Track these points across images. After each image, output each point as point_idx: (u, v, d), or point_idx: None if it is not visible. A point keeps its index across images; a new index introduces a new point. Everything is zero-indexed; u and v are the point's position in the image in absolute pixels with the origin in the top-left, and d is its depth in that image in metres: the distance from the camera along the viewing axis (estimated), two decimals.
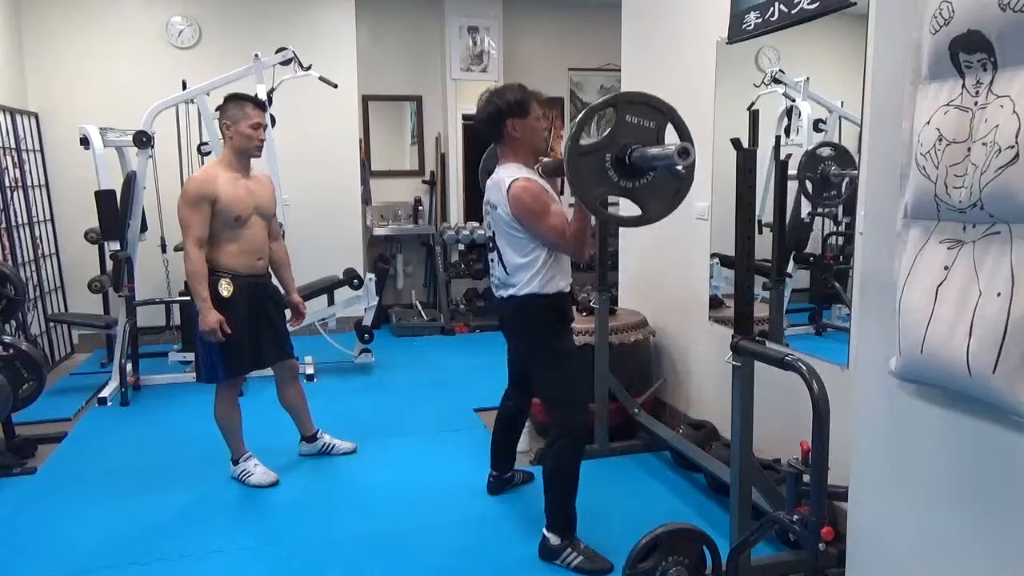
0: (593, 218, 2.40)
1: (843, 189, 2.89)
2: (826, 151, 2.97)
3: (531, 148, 2.63)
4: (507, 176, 2.52)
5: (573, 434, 2.57)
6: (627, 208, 2.51)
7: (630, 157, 2.07)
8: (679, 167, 2.04)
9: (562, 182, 2.60)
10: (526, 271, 2.55)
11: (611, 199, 2.27)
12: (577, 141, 2.06)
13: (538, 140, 2.65)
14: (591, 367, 3.40)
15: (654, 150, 2.02)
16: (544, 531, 2.60)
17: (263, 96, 4.30)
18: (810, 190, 2.99)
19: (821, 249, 3.19)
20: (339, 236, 5.98)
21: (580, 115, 2.13)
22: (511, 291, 2.61)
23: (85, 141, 4.36)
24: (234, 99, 3.11)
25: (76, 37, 5.44)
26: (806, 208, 3.12)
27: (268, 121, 3.12)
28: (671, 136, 2.18)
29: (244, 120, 3.05)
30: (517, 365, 2.91)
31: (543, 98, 2.65)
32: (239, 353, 3.10)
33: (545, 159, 2.73)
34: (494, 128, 2.58)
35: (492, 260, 2.71)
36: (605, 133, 2.12)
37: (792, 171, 2.96)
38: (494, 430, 3.09)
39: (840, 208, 3.06)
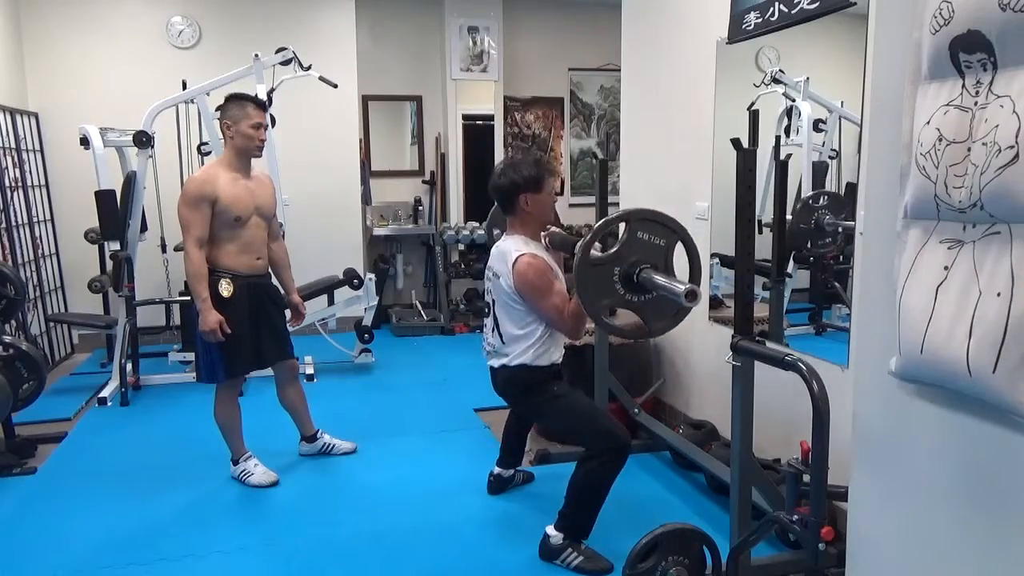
0: None
1: (837, 238, 2.93)
2: (820, 200, 3.00)
3: (540, 222, 2.71)
4: (514, 249, 2.58)
5: (619, 451, 2.54)
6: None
7: (638, 276, 2.10)
8: (686, 307, 2.06)
9: (566, 259, 2.65)
10: (521, 343, 2.63)
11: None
12: (588, 252, 2.10)
13: (548, 214, 2.73)
14: (589, 369, 3.40)
15: (662, 281, 2.04)
16: (549, 528, 2.59)
17: (263, 96, 4.29)
18: (806, 240, 3.01)
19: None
20: (339, 236, 5.98)
21: (595, 228, 2.17)
22: (503, 361, 2.68)
23: (85, 141, 4.36)
24: (235, 99, 3.11)
25: (76, 37, 5.44)
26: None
27: (268, 121, 3.12)
28: (679, 253, 2.19)
29: (245, 120, 3.05)
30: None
31: (555, 172, 2.69)
32: (239, 353, 3.10)
33: (554, 229, 2.78)
34: (507, 201, 2.66)
35: (488, 326, 2.78)
36: (615, 248, 2.13)
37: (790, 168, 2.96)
38: (507, 424, 3.12)
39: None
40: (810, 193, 3.06)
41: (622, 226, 2.19)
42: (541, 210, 2.67)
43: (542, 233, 2.74)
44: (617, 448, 2.53)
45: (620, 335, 2.63)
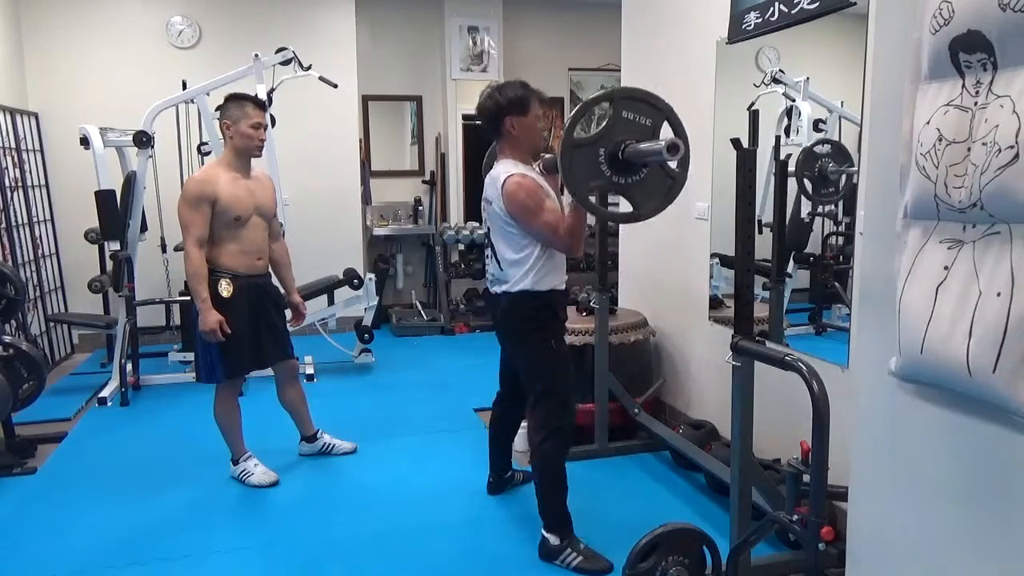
0: (589, 217, 2.39)
1: (841, 186, 2.89)
2: (823, 148, 2.98)
3: (529, 146, 2.64)
4: (503, 172, 2.52)
5: (556, 433, 2.57)
6: (621, 206, 2.50)
7: (623, 153, 2.07)
8: (670, 163, 2.04)
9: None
10: (519, 267, 2.56)
11: (611, 199, 2.27)
12: (572, 134, 2.06)
13: (536, 138, 2.65)
14: (589, 368, 3.40)
15: (644, 145, 2.02)
16: (543, 532, 2.60)
17: (263, 96, 4.29)
18: (808, 188, 2.99)
19: (821, 249, 3.19)
20: (339, 236, 5.98)
21: (577, 107, 2.14)
22: (504, 287, 2.61)
23: (85, 141, 4.37)
24: (234, 99, 3.11)
25: (76, 37, 5.44)
26: (806, 208, 3.12)
27: (268, 121, 3.12)
28: (667, 134, 2.17)
29: (244, 120, 3.05)
30: (510, 365, 2.91)
31: (544, 97, 2.65)
32: (239, 353, 3.10)
33: (547, 155, 2.73)
34: (493, 125, 2.59)
35: (487, 256, 2.72)
36: (601, 127, 2.11)
37: (791, 169, 2.96)
38: (490, 432, 3.09)
39: (839, 207, 3.06)
40: (813, 140, 3.04)
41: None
42: (528, 134, 2.59)
43: (536, 161, 2.69)
44: (561, 428, 2.57)
45: (609, 218, 2.58)
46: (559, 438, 2.58)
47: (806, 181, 2.98)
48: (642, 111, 2.13)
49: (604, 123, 2.10)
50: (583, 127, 2.16)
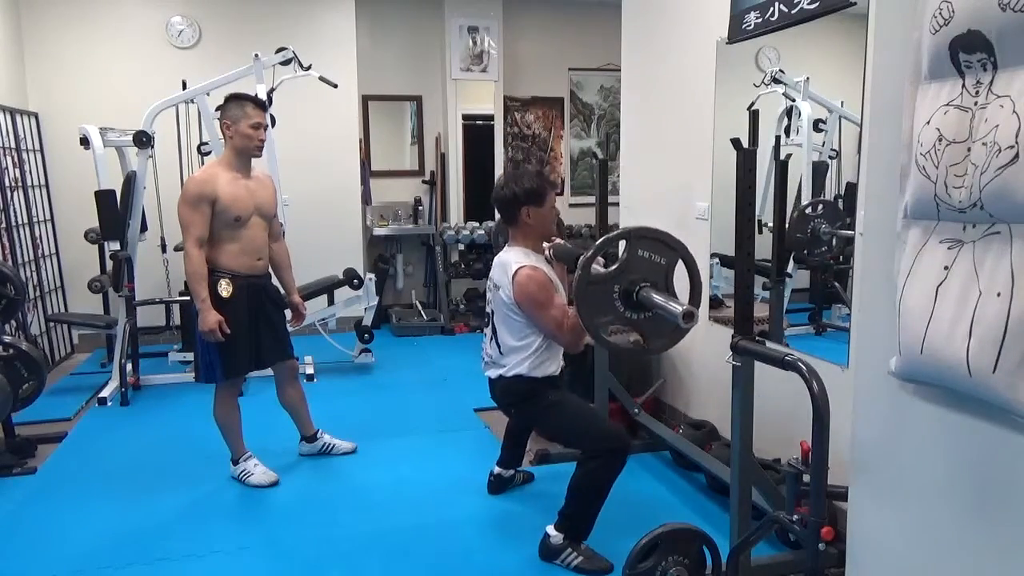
0: None
1: (832, 246, 2.94)
2: (816, 209, 3.01)
3: (542, 234, 2.72)
4: (514, 261, 2.59)
5: (619, 452, 2.54)
6: None
7: (637, 295, 2.10)
8: (683, 327, 2.05)
9: (569, 267, 2.66)
10: (519, 353, 2.64)
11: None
12: (588, 270, 2.10)
13: (549, 227, 2.74)
14: (589, 368, 3.40)
15: (660, 300, 2.05)
16: (549, 528, 2.59)
17: (263, 96, 4.29)
18: (802, 248, 3.02)
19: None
20: (339, 236, 5.98)
21: (595, 245, 2.16)
22: (500, 371, 2.70)
23: (85, 141, 4.36)
24: (234, 99, 3.11)
25: (76, 37, 5.44)
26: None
27: (268, 121, 3.12)
28: (680, 270, 2.18)
29: (244, 120, 3.05)
30: None
31: (557, 185, 2.69)
32: (238, 354, 3.09)
33: (557, 241, 2.78)
34: (508, 213, 2.67)
35: (487, 336, 2.79)
36: (616, 266, 2.13)
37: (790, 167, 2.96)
38: (507, 425, 3.11)
39: (839, 207, 3.06)
40: (806, 202, 3.06)
41: (622, 244, 2.19)
42: (542, 223, 2.68)
43: (545, 245, 2.74)
44: (616, 449, 2.53)
45: (619, 353, 2.65)
46: (620, 456, 2.55)
47: (799, 241, 3.00)
48: (657, 249, 2.16)
49: (619, 261, 2.13)
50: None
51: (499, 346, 2.69)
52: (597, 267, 2.16)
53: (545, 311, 2.55)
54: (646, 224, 2.27)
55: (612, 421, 2.77)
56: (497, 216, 2.93)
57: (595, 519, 2.57)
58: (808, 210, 3.01)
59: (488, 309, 2.79)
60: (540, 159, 6.80)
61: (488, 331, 2.77)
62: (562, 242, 2.81)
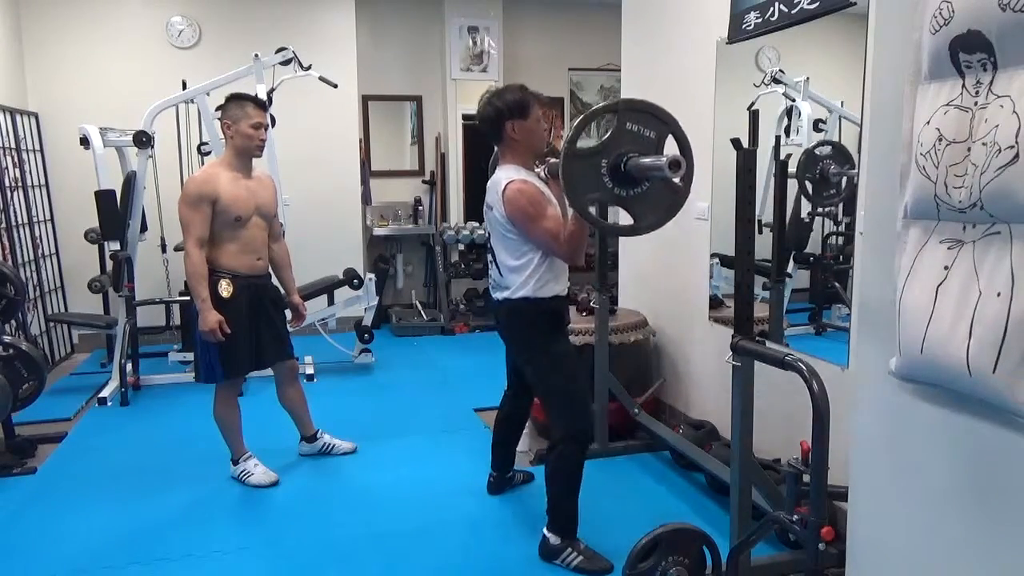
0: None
1: (842, 187, 2.89)
2: (824, 150, 2.97)
3: (531, 150, 2.63)
4: (504, 177, 2.52)
5: (575, 437, 2.55)
6: (622, 217, 2.49)
7: (625, 166, 2.05)
8: (672, 179, 2.02)
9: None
10: (519, 273, 2.55)
11: (610, 208, 2.25)
12: (574, 144, 2.04)
13: (538, 142, 2.64)
14: (591, 367, 3.40)
15: (647, 160, 2.00)
16: (544, 531, 2.60)
17: (263, 96, 4.29)
18: (809, 190, 2.99)
19: (821, 249, 3.19)
20: (339, 236, 5.98)
21: (580, 118, 2.10)
22: (505, 293, 2.61)
23: (85, 141, 4.37)
24: (235, 99, 3.11)
25: (76, 37, 5.44)
26: (806, 208, 3.12)
27: (269, 121, 3.12)
28: (671, 148, 2.15)
29: (245, 120, 3.05)
30: (515, 366, 2.91)
31: (544, 99, 2.64)
32: (238, 353, 3.09)
33: (552, 160, 2.71)
34: (494, 130, 2.57)
35: (489, 261, 2.72)
36: (604, 138, 2.10)
37: (791, 170, 2.96)
38: (494, 431, 3.09)
39: (840, 207, 3.06)
40: (813, 142, 3.03)
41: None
42: (529, 137, 2.58)
43: (538, 168, 2.67)
44: (579, 431, 2.54)
45: (609, 231, 2.55)
46: (577, 441, 2.55)
47: (807, 183, 2.97)
48: (646, 123, 2.10)
49: (607, 134, 2.08)
50: (586, 136, 2.13)
51: (499, 268, 2.61)
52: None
53: (537, 223, 2.45)
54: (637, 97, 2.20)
55: (590, 407, 2.71)
56: (491, 160, 2.87)
57: (576, 508, 2.56)
58: (816, 149, 2.98)
59: (486, 232, 2.71)
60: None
61: (489, 256, 2.69)
62: (556, 160, 2.70)
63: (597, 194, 2.09)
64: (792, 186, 3.00)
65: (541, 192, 2.52)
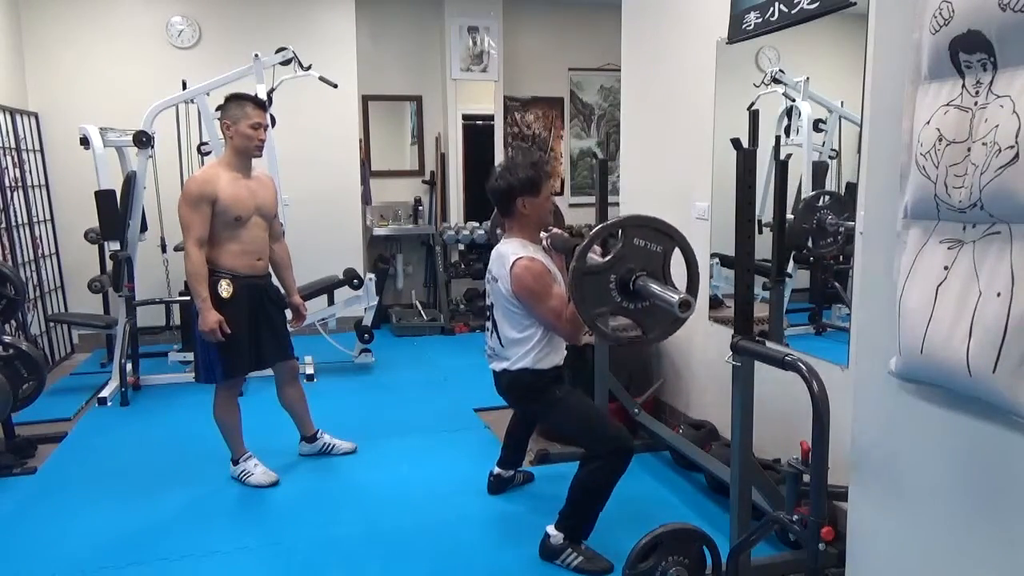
0: None
1: (839, 237, 2.93)
2: (822, 200, 3.01)
3: (539, 225, 2.70)
4: (511, 253, 2.57)
5: (620, 452, 2.53)
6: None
7: (634, 284, 2.09)
8: (680, 317, 2.04)
9: (567, 257, 2.64)
10: (520, 346, 2.62)
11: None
12: (584, 260, 2.08)
13: (546, 217, 2.72)
14: (589, 368, 3.40)
15: (657, 289, 2.03)
16: (549, 528, 2.59)
17: (263, 96, 4.29)
18: (808, 239, 3.02)
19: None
20: (339, 236, 5.98)
21: (591, 234, 2.14)
22: (504, 364, 2.68)
23: (85, 141, 4.37)
24: (234, 99, 3.11)
25: (76, 37, 5.44)
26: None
27: (268, 121, 3.12)
28: (677, 256, 2.17)
29: (244, 120, 3.05)
30: None
31: (552, 176, 2.68)
32: (238, 353, 3.09)
33: (555, 231, 2.77)
34: (504, 203, 2.64)
35: (488, 329, 2.78)
36: (611, 255, 2.11)
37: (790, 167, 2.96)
38: (510, 424, 3.11)
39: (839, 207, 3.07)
40: (812, 193, 3.06)
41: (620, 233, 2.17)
42: (538, 213, 2.66)
43: (542, 235, 2.73)
44: (620, 451, 2.52)
45: (616, 343, 2.63)
46: (623, 456, 2.54)
47: (807, 236, 3.00)
48: (653, 238, 2.14)
49: (616, 249, 2.11)
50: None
51: (500, 339, 2.68)
52: (594, 257, 2.14)
53: (543, 302, 2.53)
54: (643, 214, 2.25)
55: (615, 421, 2.75)
56: (493, 214, 2.92)
57: (595, 520, 2.57)
58: (814, 201, 3.00)
59: (488, 302, 2.77)
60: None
61: (489, 324, 2.75)
62: (560, 232, 2.78)
63: (606, 308, 2.13)
64: (792, 186, 3.00)
65: (548, 270, 2.58)
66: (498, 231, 2.94)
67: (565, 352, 2.75)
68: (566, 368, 2.79)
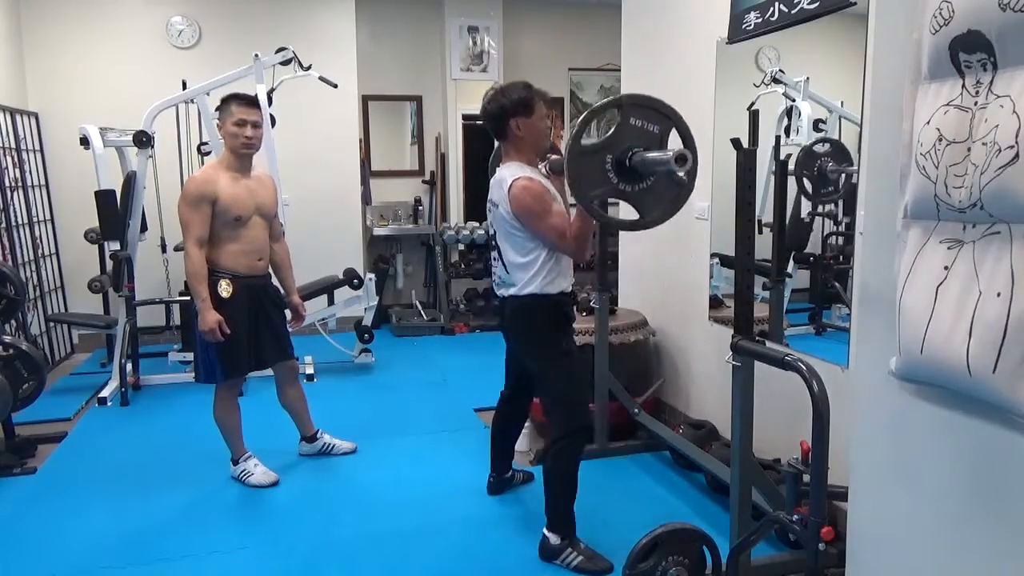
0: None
1: (840, 185, 2.89)
2: (822, 147, 2.97)
3: (535, 147, 2.62)
4: (509, 175, 2.51)
5: (573, 435, 2.56)
6: (626, 212, 2.50)
7: (630, 160, 2.05)
8: (678, 173, 2.03)
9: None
10: (526, 271, 2.54)
11: (611, 202, 2.26)
12: (579, 140, 2.04)
13: (542, 139, 2.64)
14: (589, 368, 3.40)
15: (652, 154, 2.01)
16: (544, 531, 2.60)
17: (263, 96, 4.29)
18: (808, 187, 2.99)
19: (821, 249, 3.19)
20: (339, 236, 5.98)
21: (584, 114, 2.10)
22: (512, 290, 2.60)
23: (85, 141, 4.36)
24: (224, 99, 3.11)
25: (76, 37, 5.44)
26: (806, 208, 3.12)
27: (260, 118, 3.11)
28: (675, 141, 2.16)
29: (229, 118, 3.05)
30: (517, 365, 2.90)
31: (548, 97, 2.64)
32: (238, 353, 3.09)
33: (554, 156, 2.71)
34: (498, 126, 2.57)
35: (493, 259, 2.71)
36: (608, 134, 2.10)
37: (791, 168, 2.96)
38: (492, 432, 3.09)
39: (839, 207, 3.06)
40: (812, 140, 3.03)
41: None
42: (534, 135, 2.57)
43: (540, 164, 2.68)
44: (578, 429, 2.55)
45: (616, 226, 2.56)
46: (575, 439, 2.56)
47: (806, 180, 2.97)
48: (650, 118, 2.10)
49: (611, 129, 2.09)
50: (587, 136, 2.14)
51: (505, 265, 2.61)
52: (590, 138, 2.09)
53: (544, 220, 2.46)
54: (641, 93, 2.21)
55: (587, 401, 2.73)
56: (492, 154, 2.86)
57: (572, 505, 2.57)
58: (815, 147, 2.97)
59: (491, 230, 2.70)
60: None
61: (494, 253, 2.68)
62: (558, 156, 2.70)
63: (602, 189, 2.09)
64: (792, 186, 3.00)
65: (546, 189, 2.52)
66: (497, 167, 2.90)
67: (573, 279, 2.66)
68: (574, 297, 2.71)
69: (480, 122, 2.65)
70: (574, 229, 2.42)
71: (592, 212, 2.16)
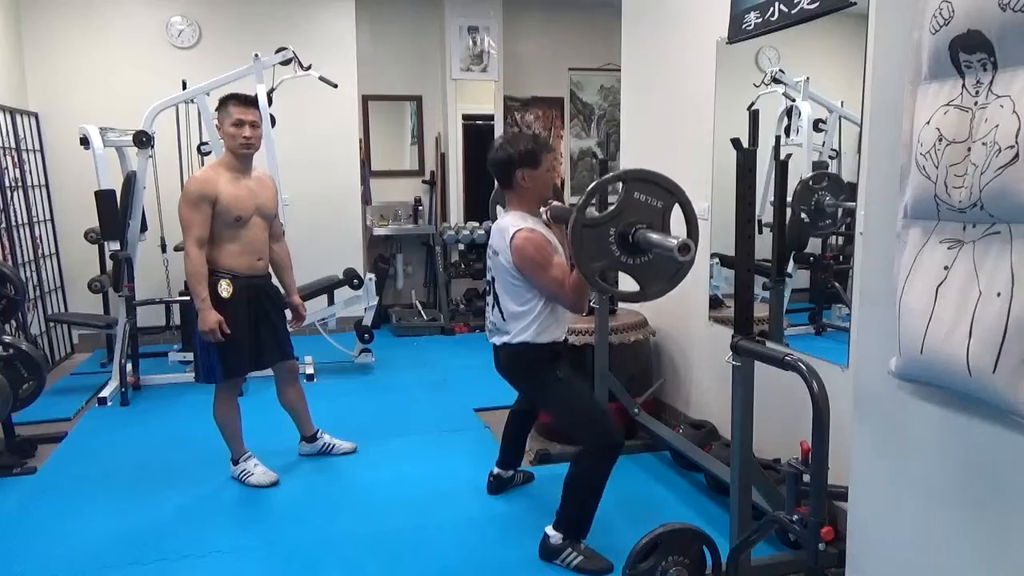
0: None
1: (838, 218, 2.93)
2: (820, 183, 3.00)
3: (538, 197, 2.68)
4: (511, 225, 2.56)
5: (608, 449, 2.53)
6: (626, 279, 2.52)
7: (633, 236, 2.08)
8: (679, 260, 2.05)
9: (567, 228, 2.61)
10: (521, 320, 2.60)
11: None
12: (584, 212, 2.07)
13: (545, 189, 2.69)
14: (589, 368, 3.40)
15: (656, 238, 2.02)
16: (548, 528, 2.59)
17: (263, 96, 4.29)
18: (806, 220, 3.02)
19: (821, 249, 3.19)
20: (339, 236, 5.98)
21: (590, 187, 2.14)
22: (505, 339, 2.66)
23: (85, 141, 4.36)
24: (222, 100, 3.12)
25: (76, 37, 5.44)
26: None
27: (258, 118, 3.11)
28: (677, 212, 2.17)
29: (227, 119, 3.06)
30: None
31: (552, 148, 2.67)
32: (238, 354, 3.09)
33: (554, 203, 2.75)
34: (504, 175, 2.63)
35: (489, 304, 2.76)
36: (611, 207, 2.11)
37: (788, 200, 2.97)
38: (506, 425, 3.11)
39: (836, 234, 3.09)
40: (810, 174, 3.06)
41: (620, 188, 2.15)
42: (538, 186, 2.63)
43: (542, 208, 2.70)
44: (608, 446, 2.52)
45: (617, 296, 2.58)
46: (610, 453, 2.54)
47: (803, 214, 3.00)
48: (653, 192, 2.14)
49: (615, 203, 2.11)
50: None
51: (502, 312, 2.65)
52: (593, 211, 2.12)
53: (545, 272, 2.50)
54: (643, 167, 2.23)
55: (611, 414, 2.74)
56: (493, 191, 2.89)
57: (592, 517, 2.57)
58: (811, 183, 3.00)
59: (489, 276, 2.74)
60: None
61: (490, 298, 2.73)
62: (559, 204, 2.75)
63: (605, 261, 2.12)
64: (792, 186, 3.00)
65: (548, 240, 2.56)
66: (497, 208, 2.92)
67: (566, 328, 2.71)
68: (566, 345, 2.76)
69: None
70: (573, 282, 2.46)
71: (592, 283, 2.19)
